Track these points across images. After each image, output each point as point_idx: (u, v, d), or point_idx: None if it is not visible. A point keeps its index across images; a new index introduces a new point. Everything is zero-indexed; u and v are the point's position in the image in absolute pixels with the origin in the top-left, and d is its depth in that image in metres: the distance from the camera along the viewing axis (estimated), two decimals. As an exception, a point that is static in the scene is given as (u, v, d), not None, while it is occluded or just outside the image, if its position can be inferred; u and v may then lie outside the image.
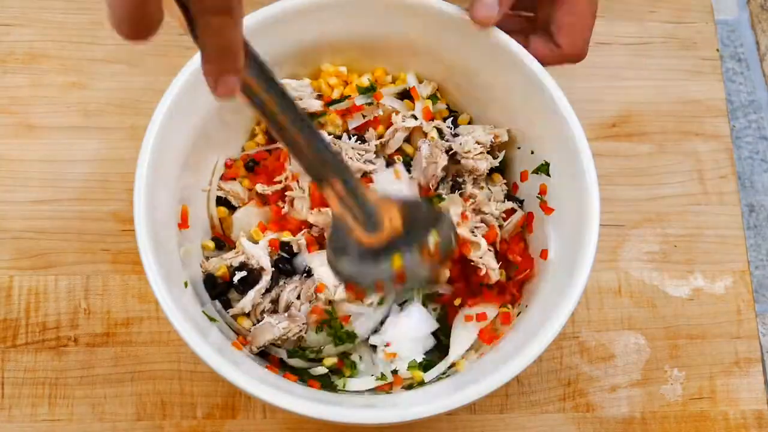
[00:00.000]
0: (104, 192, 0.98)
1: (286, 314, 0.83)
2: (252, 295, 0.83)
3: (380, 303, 0.86)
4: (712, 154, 1.04)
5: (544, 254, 0.85)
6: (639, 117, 1.05)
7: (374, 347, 0.87)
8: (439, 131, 0.90)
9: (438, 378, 0.85)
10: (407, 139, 0.92)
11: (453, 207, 0.86)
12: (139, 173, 0.78)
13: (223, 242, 0.90)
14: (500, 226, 0.88)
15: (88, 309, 0.94)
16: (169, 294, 0.75)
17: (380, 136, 0.91)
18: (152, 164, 0.79)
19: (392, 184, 0.88)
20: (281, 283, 0.85)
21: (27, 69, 1.03)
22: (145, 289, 0.94)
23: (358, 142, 0.89)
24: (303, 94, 0.90)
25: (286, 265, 0.85)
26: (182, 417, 0.91)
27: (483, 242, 0.86)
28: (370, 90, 0.91)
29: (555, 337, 0.75)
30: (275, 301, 0.85)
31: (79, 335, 0.93)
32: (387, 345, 0.85)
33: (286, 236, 0.86)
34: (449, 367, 0.85)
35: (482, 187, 0.90)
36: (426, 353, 0.87)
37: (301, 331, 0.83)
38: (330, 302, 0.84)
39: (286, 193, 0.88)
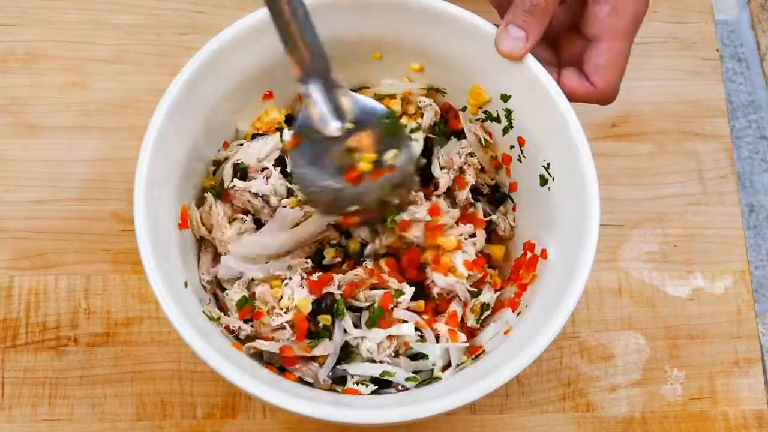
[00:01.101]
0: (104, 192, 0.98)
1: None
2: None
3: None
4: (712, 154, 1.04)
5: (544, 254, 0.85)
6: (639, 117, 1.05)
7: None
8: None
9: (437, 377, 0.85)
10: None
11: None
12: (139, 173, 0.78)
13: None
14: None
15: (88, 309, 0.94)
16: (169, 294, 0.75)
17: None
18: (152, 164, 0.79)
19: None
20: None
21: (27, 69, 1.03)
22: (145, 289, 0.94)
23: None
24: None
25: None
26: (182, 417, 0.91)
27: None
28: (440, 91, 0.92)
29: (555, 337, 0.75)
30: None
31: (79, 335, 0.93)
32: None
33: None
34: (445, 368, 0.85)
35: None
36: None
37: None
38: None
39: None
